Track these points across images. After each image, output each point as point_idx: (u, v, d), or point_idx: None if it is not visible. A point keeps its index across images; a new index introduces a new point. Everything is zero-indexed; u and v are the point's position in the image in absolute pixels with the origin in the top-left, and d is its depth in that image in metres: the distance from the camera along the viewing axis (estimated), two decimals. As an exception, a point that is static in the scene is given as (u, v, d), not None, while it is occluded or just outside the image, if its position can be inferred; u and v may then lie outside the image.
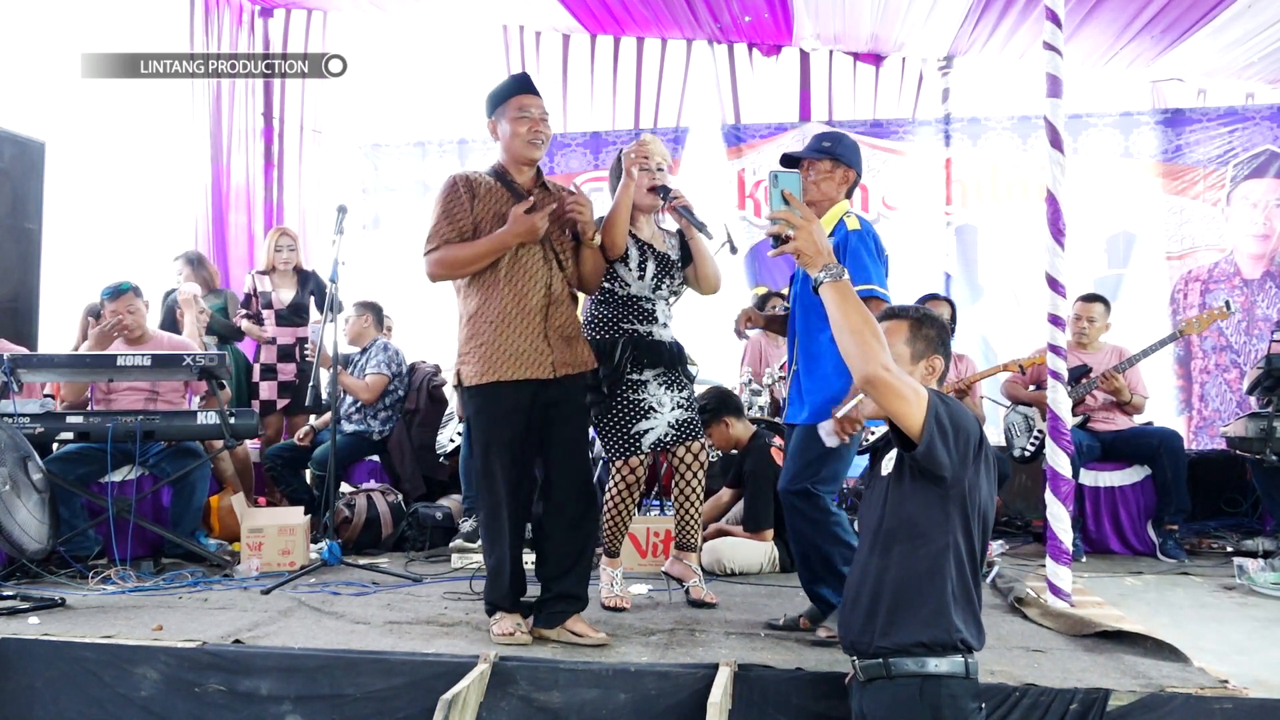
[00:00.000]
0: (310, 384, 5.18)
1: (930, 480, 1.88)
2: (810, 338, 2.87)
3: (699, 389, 4.61)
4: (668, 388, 3.26)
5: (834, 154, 2.91)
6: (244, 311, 5.31)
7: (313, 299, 5.36)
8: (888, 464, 2.01)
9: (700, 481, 3.33)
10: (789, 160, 2.99)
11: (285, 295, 5.28)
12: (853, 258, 2.77)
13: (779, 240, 1.97)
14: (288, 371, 5.25)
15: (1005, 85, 6.68)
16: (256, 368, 5.27)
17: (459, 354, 2.90)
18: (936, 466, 1.85)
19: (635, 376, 3.23)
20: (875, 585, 1.94)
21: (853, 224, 2.84)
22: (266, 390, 5.22)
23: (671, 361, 3.29)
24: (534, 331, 2.83)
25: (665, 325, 3.33)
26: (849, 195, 2.97)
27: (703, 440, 3.33)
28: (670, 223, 3.38)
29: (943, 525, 1.89)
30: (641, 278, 3.24)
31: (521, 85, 2.95)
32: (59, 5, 6.25)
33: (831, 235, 2.88)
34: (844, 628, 2.04)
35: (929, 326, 2.07)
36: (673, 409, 3.25)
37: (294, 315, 5.29)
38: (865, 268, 2.75)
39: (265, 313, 5.27)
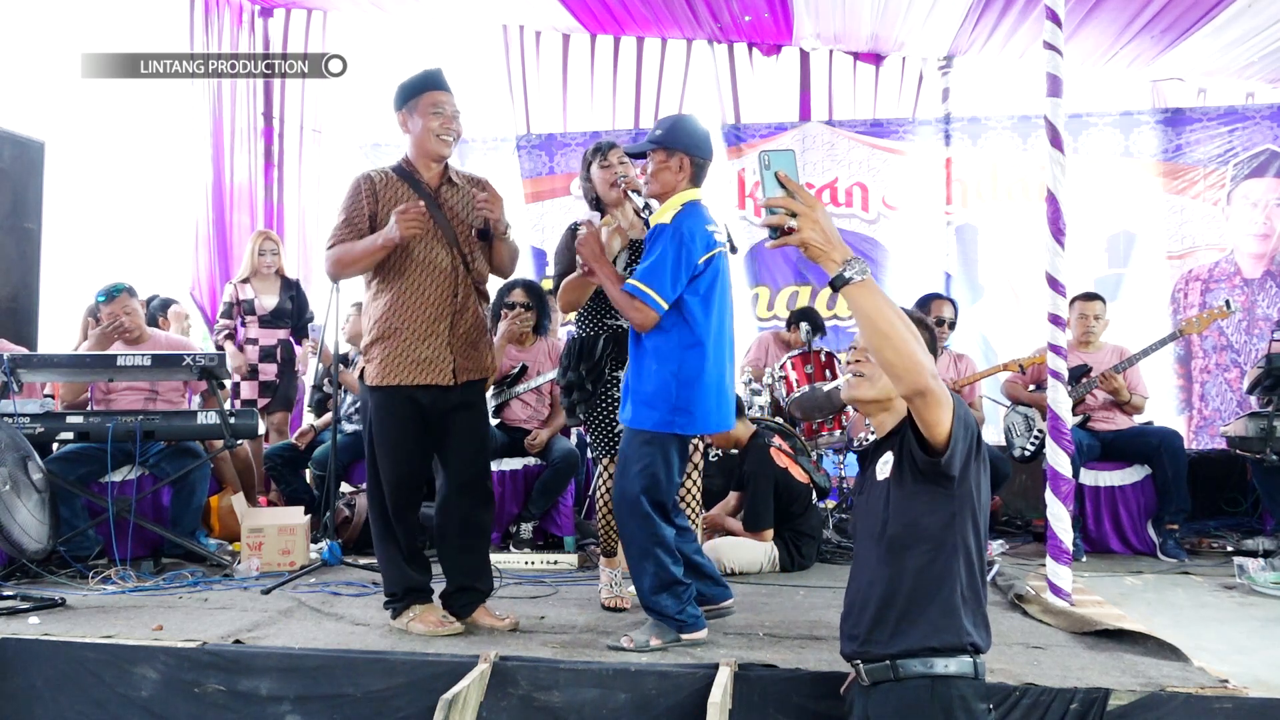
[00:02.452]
0: (313, 384, 5.17)
1: (937, 482, 1.82)
2: (639, 346, 2.82)
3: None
4: None
5: (664, 142, 2.81)
6: (224, 324, 5.25)
7: (292, 305, 5.34)
8: (883, 467, 1.94)
9: (694, 483, 3.31)
10: (630, 156, 3.01)
11: (268, 301, 5.25)
12: (648, 249, 2.73)
13: (778, 231, 1.64)
14: (269, 372, 5.24)
15: (1005, 85, 6.68)
16: (241, 362, 5.25)
17: (364, 353, 2.94)
18: (952, 469, 1.79)
19: (621, 373, 3.22)
20: (886, 592, 1.87)
21: (666, 218, 2.75)
22: (248, 390, 5.21)
23: None
24: (439, 338, 2.90)
25: None
26: (697, 181, 2.85)
27: (695, 441, 3.30)
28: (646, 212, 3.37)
29: (951, 526, 1.84)
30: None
31: (435, 81, 2.94)
32: (59, 5, 6.27)
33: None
34: (846, 637, 1.98)
35: (924, 332, 1.98)
36: None
37: (276, 319, 5.26)
38: (650, 264, 2.67)
39: (248, 319, 5.23)
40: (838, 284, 1.64)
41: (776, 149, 1.71)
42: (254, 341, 5.23)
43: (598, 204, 3.35)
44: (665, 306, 2.67)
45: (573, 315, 3.34)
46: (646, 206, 3.13)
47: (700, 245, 2.72)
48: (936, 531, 1.84)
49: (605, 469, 3.28)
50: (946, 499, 1.84)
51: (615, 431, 3.20)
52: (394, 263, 2.89)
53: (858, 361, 1.98)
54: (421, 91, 2.91)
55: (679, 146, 2.81)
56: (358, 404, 5.02)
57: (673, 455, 2.77)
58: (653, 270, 2.67)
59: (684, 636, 2.71)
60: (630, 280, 2.71)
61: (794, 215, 1.62)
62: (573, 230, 3.31)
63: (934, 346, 2.02)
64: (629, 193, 3.18)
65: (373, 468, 2.95)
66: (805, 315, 5.33)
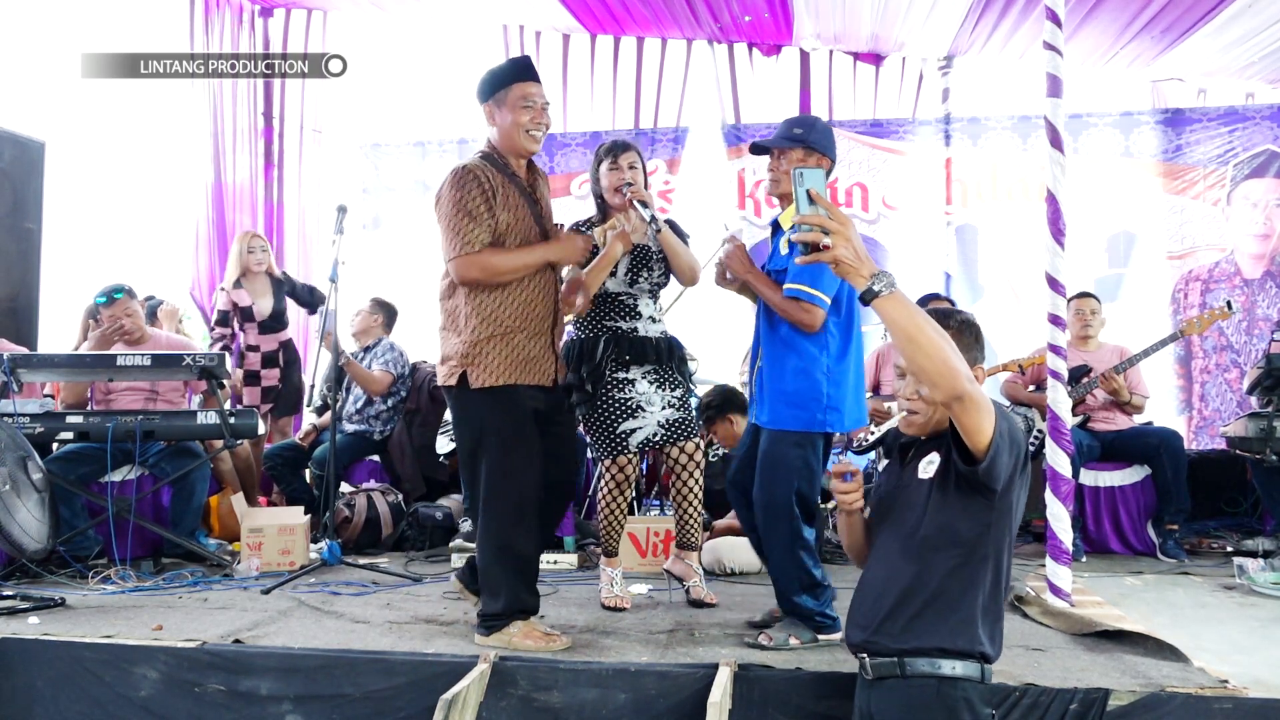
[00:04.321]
0: (312, 382, 5.14)
1: (979, 492, 1.83)
2: (775, 330, 2.81)
3: (702, 389, 4.61)
4: (659, 386, 3.25)
5: (806, 141, 2.77)
6: (220, 334, 5.18)
7: (290, 301, 5.29)
8: (927, 466, 1.92)
9: (696, 481, 3.31)
10: (758, 149, 2.91)
11: (264, 305, 5.18)
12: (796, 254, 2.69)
13: (810, 248, 1.71)
14: (271, 377, 5.22)
15: (1005, 85, 6.68)
16: (239, 373, 5.20)
17: (464, 355, 2.75)
18: (994, 481, 1.79)
19: (621, 375, 3.22)
20: (906, 589, 1.87)
21: None
22: (250, 396, 5.18)
23: (661, 358, 3.26)
24: (544, 339, 2.84)
25: (653, 320, 3.30)
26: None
27: (696, 440, 3.30)
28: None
29: (984, 537, 1.84)
30: (614, 274, 3.23)
31: (525, 71, 2.80)
32: (59, 5, 6.27)
33: (795, 230, 2.82)
34: (856, 626, 1.98)
35: (968, 334, 1.99)
36: (663, 408, 3.23)
37: (275, 322, 5.21)
38: (807, 265, 2.62)
39: (246, 325, 5.16)
40: (867, 298, 1.70)
41: (809, 167, 1.77)
42: (255, 349, 5.21)
43: (603, 204, 3.34)
44: (829, 303, 2.67)
45: (571, 315, 3.34)
46: (653, 219, 3.10)
47: None
48: (970, 539, 1.85)
49: (605, 470, 3.29)
50: (985, 509, 1.84)
51: (616, 433, 3.20)
52: None
53: (910, 400, 1.94)
54: (510, 83, 2.77)
55: (819, 148, 2.79)
56: (359, 404, 5.02)
57: (820, 454, 2.76)
58: (810, 270, 2.63)
59: (820, 637, 2.71)
60: (790, 285, 2.69)
61: (827, 233, 1.69)
62: (575, 229, 3.30)
63: (980, 345, 2.01)
64: (634, 203, 3.14)
65: (495, 478, 2.71)
66: None
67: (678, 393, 3.29)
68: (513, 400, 2.76)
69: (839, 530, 2.13)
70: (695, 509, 3.34)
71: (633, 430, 3.21)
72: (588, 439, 3.38)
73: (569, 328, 3.40)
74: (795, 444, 2.71)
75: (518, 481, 2.72)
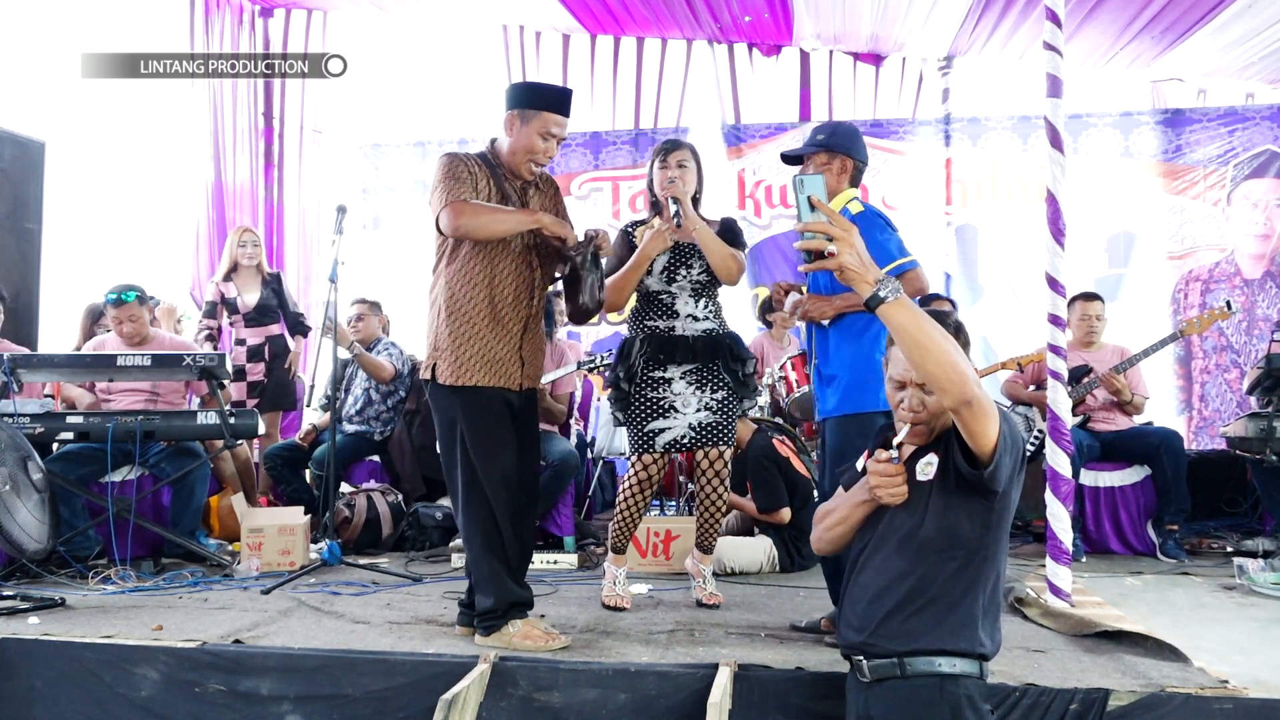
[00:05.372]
0: (312, 382, 5.13)
1: (982, 494, 1.83)
2: (824, 330, 2.86)
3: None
4: (698, 387, 3.22)
5: (828, 145, 2.86)
6: (205, 325, 5.22)
7: (276, 298, 5.29)
8: (926, 468, 1.91)
9: (717, 491, 3.28)
10: (788, 159, 2.98)
11: (250, 298, 5.21)
12: (870, 240, 2.70)
13: (814, 255, 1.71)
14: (256, 372, 5.21)
15: (1005, 85, 6.69)
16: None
17: (434, 347, 2.78)
18: (996, 484, 1.79)
19: (658, 374, 3.22)
20: (910, 589, 1.86)
21: (856, 208, 2.80)
22: (236, 391, 5.17)
23: (699, 357, 3.22)
24: (511, 342, 2.81)
25: (695, 319, 3.25)
26: (855, 183, 2.91)
27: (721, 448, 3.25)
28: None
29: (985, 538, 1.85)
30: (650, 271, 3.23)
31: (561, 104, 2.80)
32: (59, 5, 6.27)
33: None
34: (850, 628, 1.96)
35: (962, 337, 1.99)
36: (698, 410, 3.21)
37: (261, 316, 5.23)
38: (887, 245, 2.71)
39: (233, 319, 5.21)
40: (873, 304, 1.69)
41: (808, 175, 1.76)
42: (241, 342, 5.21)
43: (656, 203, 3.34)
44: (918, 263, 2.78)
45: (613, 316, 3.35)
46: (676, 215, 3.12)
47: (891, 223, 2.83)
48: (970, 540, 1.85)
49: (630, 466, 3.28)
50: (986, 510, 1.84)
51: (644, 431, 3.21)
52: (486, 257, 2.76)
53: (916, 412, 1.93)
54: (543, 108, 2.77)
55: (841, 149, 2.86)
56: (358, 404, 5.02)
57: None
58: (880, 244, 2.67)
59: None
60: (887, 268, 2.63)
61: (830, 240, 1.69)
62: (624, 232, 3.33)
63: (966, 347, 2.01)
64: (669, 199, 3.15)
65: (469, 474, 2.72)
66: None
67: (719, 395, 3.23)
68: (478, 400, 2.76)
69: (837, 518, 2.05)
70: (713, 518, 3.33)
71: (661, 430, 3.20)
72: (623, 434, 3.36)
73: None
74: (860, 432, 2.65)
75: (494, 483, 2.72)
